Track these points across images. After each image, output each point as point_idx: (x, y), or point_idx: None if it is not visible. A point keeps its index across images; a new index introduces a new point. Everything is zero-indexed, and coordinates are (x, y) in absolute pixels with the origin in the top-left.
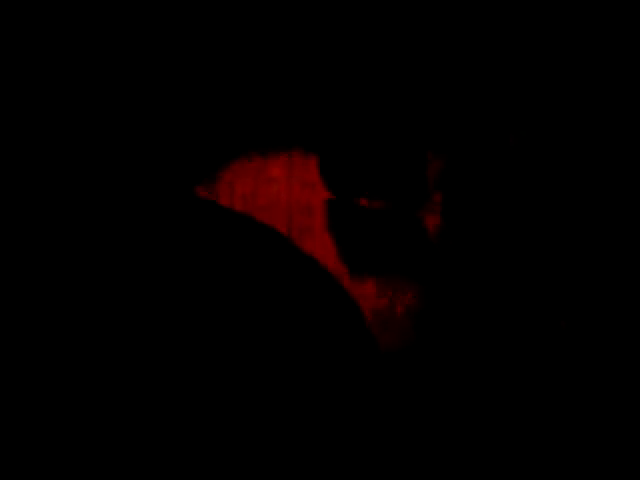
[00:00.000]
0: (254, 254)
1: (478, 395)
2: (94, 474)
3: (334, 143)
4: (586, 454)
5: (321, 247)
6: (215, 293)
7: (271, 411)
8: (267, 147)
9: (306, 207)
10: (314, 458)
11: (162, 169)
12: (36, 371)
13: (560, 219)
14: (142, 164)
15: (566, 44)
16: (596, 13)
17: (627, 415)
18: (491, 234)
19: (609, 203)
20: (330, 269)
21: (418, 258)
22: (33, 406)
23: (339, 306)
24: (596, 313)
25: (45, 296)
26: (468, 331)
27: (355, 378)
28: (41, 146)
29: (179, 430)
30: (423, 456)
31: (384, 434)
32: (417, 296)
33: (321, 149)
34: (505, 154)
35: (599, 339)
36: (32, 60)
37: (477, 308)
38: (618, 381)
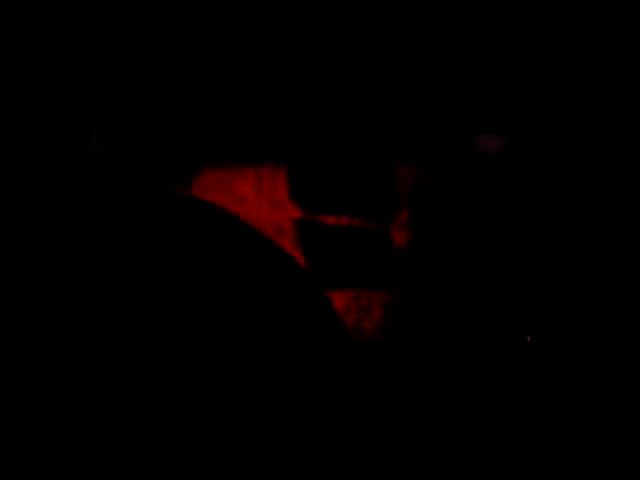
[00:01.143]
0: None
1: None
2: (94, 474)
3: (302, 160)
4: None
5: None
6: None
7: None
8: (236, 164)
9: (275, 226)
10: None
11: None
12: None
13: (528, 232)
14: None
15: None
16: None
17: (589, 422)
18: (460, 247)
19: (577, 219)
20: None
21: (386, 273)
22: (33, 406)
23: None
24: (561, 328)
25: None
26: (436, 345)
27: (328, 363)
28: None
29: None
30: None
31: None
32: (385, 311)
33: (289, 167)
34: (473, 165)
35: (563, 353)
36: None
37: (445, 321)
38: (581, 389)
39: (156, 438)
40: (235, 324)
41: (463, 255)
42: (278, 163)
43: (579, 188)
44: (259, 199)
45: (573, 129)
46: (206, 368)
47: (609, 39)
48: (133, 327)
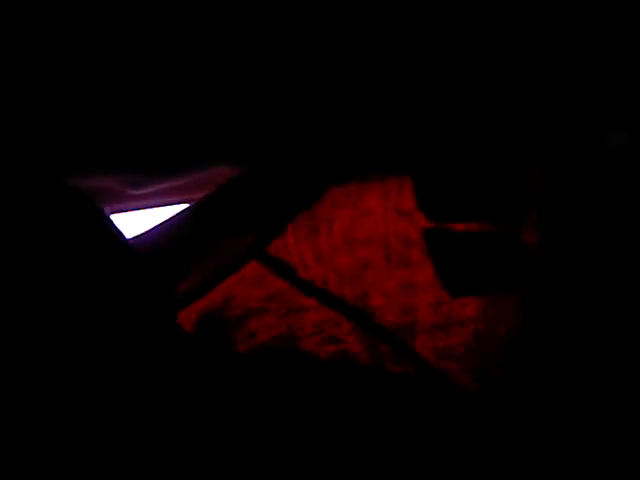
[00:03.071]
0: None
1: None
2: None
3: (428, 170)
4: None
5: (422, 276)
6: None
7: None
8: (361, 180)
9: (404, 236)
10: None
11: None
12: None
13: None
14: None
15: None
16: None
17: None
18: (591, 248)
19: None
20: (433, 297)
21: (518, 277)
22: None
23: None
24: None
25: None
26: (568, 350)
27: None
28: None
29: None
30: None
31: None
32: (518, 316)
33: (415, 178)
34: (602, 160)
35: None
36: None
37: (577, 324)
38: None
39: None
40: None
41: (594, 254)
42: (403, 175)
43: None
44: (386, 211)
45: None
46: None
47: None
48: None
